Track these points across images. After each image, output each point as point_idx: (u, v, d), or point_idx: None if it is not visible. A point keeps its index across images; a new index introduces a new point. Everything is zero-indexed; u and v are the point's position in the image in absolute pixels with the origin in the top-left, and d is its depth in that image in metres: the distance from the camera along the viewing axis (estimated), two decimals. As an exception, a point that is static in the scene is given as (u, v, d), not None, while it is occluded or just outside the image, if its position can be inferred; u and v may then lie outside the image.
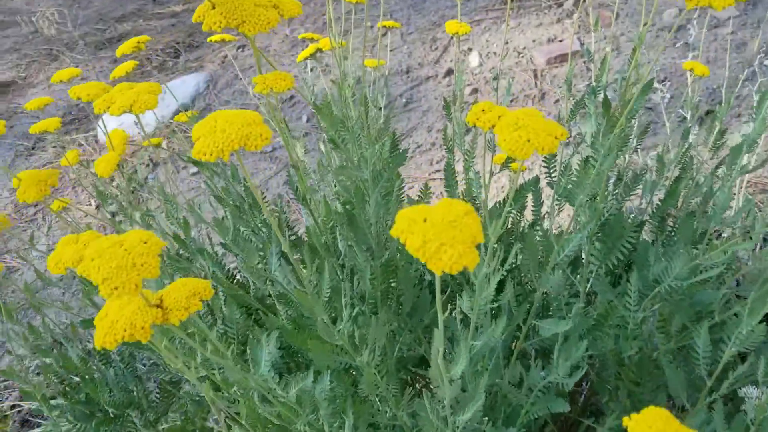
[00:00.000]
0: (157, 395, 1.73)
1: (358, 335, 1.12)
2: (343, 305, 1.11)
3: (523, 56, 3.54)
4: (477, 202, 1.55)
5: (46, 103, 1.43)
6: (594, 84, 1.47)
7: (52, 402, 1.77)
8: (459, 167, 2.76)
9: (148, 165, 3.39)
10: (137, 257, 0.75)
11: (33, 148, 3.76)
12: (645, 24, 1.13)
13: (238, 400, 1.11)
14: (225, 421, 0.94)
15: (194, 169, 3.29)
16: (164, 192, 1.52)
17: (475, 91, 3.41)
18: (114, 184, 3.19)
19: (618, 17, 3.59)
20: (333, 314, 1.15)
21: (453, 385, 0.84)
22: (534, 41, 3.60)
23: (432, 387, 0.88)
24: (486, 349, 1.13)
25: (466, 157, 1.58)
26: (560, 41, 3.51)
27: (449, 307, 1.10)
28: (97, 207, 3.26)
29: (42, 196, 1.06)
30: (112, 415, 1.65)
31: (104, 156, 1.30)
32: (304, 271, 1.01)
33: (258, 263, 1.25)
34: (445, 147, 1.60)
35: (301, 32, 4.02)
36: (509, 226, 1.54)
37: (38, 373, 1.97)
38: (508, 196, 1.54)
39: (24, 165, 3.65)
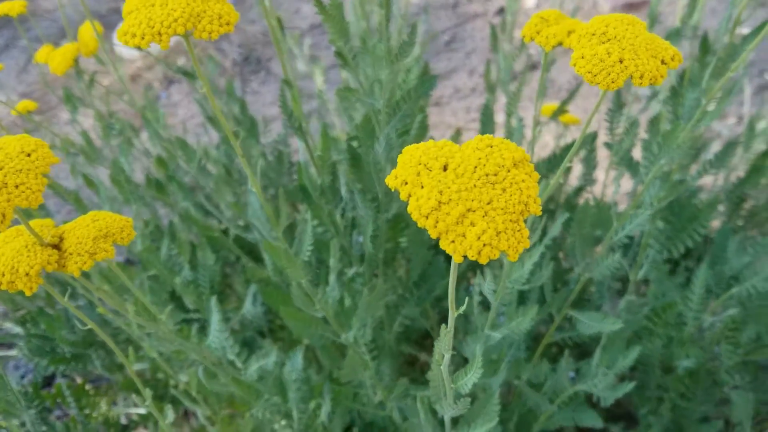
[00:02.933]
0: (123, 334, 1.52)
1: (348, 306, 0.87)
2: (331, 267, 0.86)
3: (585, 1, 3.18)
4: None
5: (18, 11, 1.19)
6: (682, 23, 1.17)
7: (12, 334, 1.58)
8: (501, 118, 2.45)
9: (161, 82, 3.13)
10: (11, 175, 0.51)
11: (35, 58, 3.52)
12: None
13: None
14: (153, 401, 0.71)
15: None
16: (151, 111, 1.27)
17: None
18: (125, 98, 2.96)
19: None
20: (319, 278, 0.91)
21: (459, 403, 0.60)
22: (598, -14, 3.23)
23: (432, 400, 0.64)
24: (506, 342, 0.88)
25: (509, 101, 1.30)
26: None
27: (465, 282, 0.86)
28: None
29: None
30: (70, 355, 1.45)
31: (61, 48, 1.05)
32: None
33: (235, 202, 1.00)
34: (485, 86, 1.32)
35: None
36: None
37: None
38: (555, 154, 1.26)
39: (35, 71, 3.42)
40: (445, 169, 0.36)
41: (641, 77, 0.45)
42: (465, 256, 0.34)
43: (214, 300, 0.81)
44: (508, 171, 0.36)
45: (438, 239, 0.35)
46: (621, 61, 0.46)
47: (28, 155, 0.52)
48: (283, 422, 0.90)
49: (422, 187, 0.35)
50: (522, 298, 0.97)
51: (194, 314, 1.14)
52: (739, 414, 0.94)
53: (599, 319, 0.88)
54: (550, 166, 1.24)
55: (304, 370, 0.91)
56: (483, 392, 0.97)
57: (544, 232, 0.90)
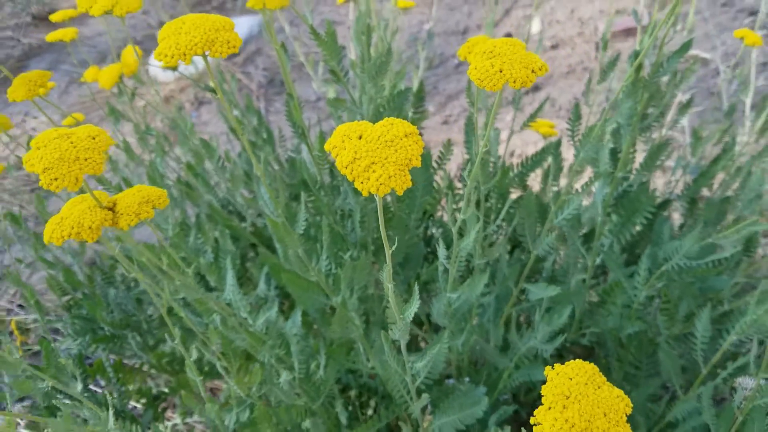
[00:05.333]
0: (156, 320, 1.74)
1: (337, 275, 1.07)
2: (324, 244, 1.07)
3: (586, 26, 3.38)
4: (493, 158, 1.47)
5: (70, 37, 1.41)
6: (637, 48, 1.37)
7: (58, 317, 1.80)
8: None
9: (192, 103, 3.40)
10: (82, 151, 0.72)
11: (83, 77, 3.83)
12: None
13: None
14: (181, 342, 0.92)
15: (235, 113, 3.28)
16: (181, 125, 1.50)
17: (530, 58, 3.28)
18: (159, 118, 3.22)
19: (695, -5, 3.37)
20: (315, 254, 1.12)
21: (402, 323, 0.79)
22: (601, 12, 3.43)
23: (389, 326, 0.83)
24: (466, 305, 1.07)
25: (487, 114, 1.51)
26: (629, 14, 3.33)
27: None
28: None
29: (31, 95, 1.05)
30: (109, 334, 1.67)
31: (107, 68, 1.28)
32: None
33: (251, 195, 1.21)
34: (467, 100, 1.53)
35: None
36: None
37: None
38: (523, 160, 1.46)
39: (76, 92, 3.72)
40: (360, 138, 0.56)
41: (514, 81, 0.66)
42: (370, 192, 0.54)
43: (228, 261, 1.02)
44: (401, 139, 0.56)
45: (353, 182, 0.55)
46: (501, 71, 0.66)
47: (93, 138, 0.74)
48: (286, 372, 1.10)
49: (345, 149, 0.55)
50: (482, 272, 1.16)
51: (217, 293, 1.35)
52: (667, 370, 1.11)
53: (543, 288, 1.07)
54: (523, 170, 1.44)
55: (303, 335, 1.11)
56: (450, 351, 1.16)
57: (498, 215, 1.09)
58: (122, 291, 1.70)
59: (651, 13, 3.34)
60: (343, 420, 1.18)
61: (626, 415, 0.52)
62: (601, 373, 0.54)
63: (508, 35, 3.42)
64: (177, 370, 1.66)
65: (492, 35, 3.43)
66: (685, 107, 1.54)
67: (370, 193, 0.54)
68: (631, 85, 1.15)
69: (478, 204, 1.14)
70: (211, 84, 1.15)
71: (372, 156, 0.54)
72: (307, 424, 1.16)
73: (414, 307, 0.78)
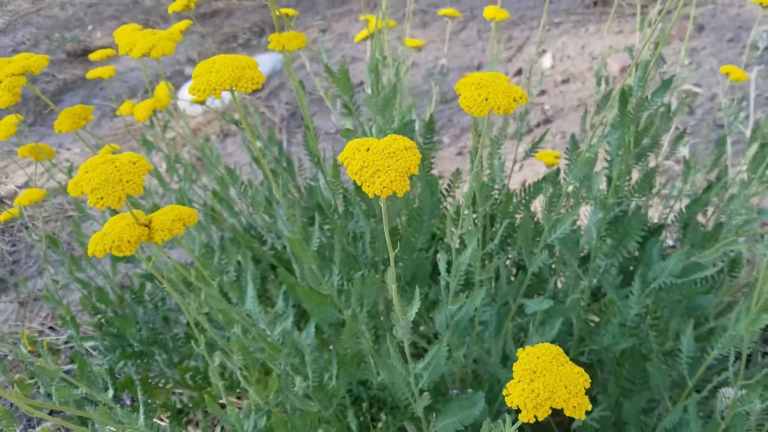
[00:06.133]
0: (182, 338, 1.84)
1: (347, 290, 1.17)
2: (336, 261, 1.17)
3: (596, 62, 3.49)
4: (497, 186, 1.57)
5: (109, 74, 1.55)
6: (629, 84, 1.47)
7: (89, 335, 1.91)
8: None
9: (218, 135, 3.55)
10: (125, 174, 0.84)
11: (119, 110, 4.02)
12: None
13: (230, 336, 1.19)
14: (206, 350, 1.02)
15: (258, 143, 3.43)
16: (207, 153, 1.62)
17: (542, 92, 3.39)
18: (186, 149, 3.38)
19: (703, 30, 3.47)
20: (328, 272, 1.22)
21: (405, 323, 0.88)
22: (610, 47, 3.54)
23: (393, 329, 0.93)
24: (467, 318, 1.16)
25: (492, 145, 1.61)
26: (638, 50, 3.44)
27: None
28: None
29: (76, 127, 1.17)
30: (137, 351, 1.78)
31: (142, 102, 1.41)
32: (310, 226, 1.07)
33: (270, 218, 1.32)
34: (472, 132, 1.63)
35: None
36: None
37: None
38: (525, 185, 1.55)
39: (108, 125, 3.90)
40: (368, 150, 0.67)
41: (498, 108, 0.76)
42: (375, 195, 0.64)
43: (249, 276, 1.13)
44: (402, 151, 0.66)
45: (361, 186, 0.66)
46: (486, 100, 0.76)
47: (134, 163, 0.85)
48: (300, 379, 1.19)
49: (354, 159, 0.66)
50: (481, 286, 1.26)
51: (238, 306, 1.45)
52: (656, 383, 1.19)
53: (538, 302, 1.16)
54: (526, 196, 1.54)
55: (317, 346, 1.21)
56: (453, 363, 1.25)
57: (495, 234, 1.19)
58: (150, 310, 1.81)
59: (652, 51, 3.45)
60: (354, 428, 1.26)
61: (584, 389, 0.60)
62: (564, 354, 0.63)
63: (520, 71, 3.54)
64: (200, 385, 1.76)
65: (505, 71, 3.55)
66: (679, 138, 1.63)
67: (375, 195, 0.64)
68: (619, 119, 1.25)
69: (484, 228, 1.24)
70: (237, 117, 1.27)
71: (377, 165, 0.65)
72: (320, 431, 1.25)
73: (415, 308, 0.87)
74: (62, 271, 1.84)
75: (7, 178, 3.74)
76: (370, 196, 0.64)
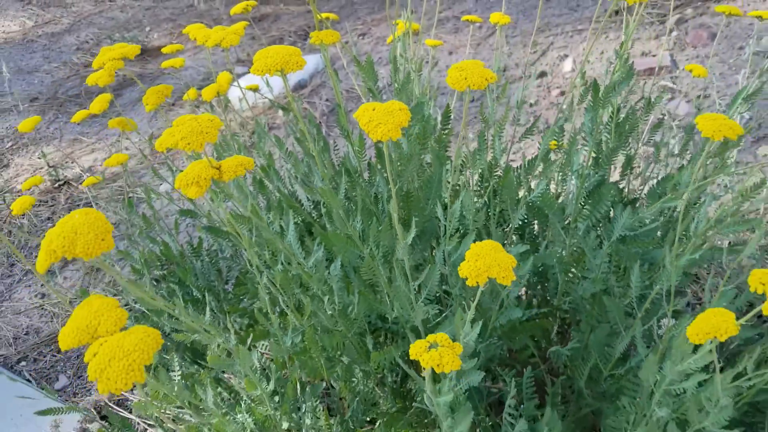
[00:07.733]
0: (232, 288, 2.18)
1: (367, 233, 1.49)
2: (358, 213, 1.48)
3: (613, 66, 3.75)
4: (499, 164, 1.87)
5: (179, 64, 1.90)
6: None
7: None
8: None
9: (264, 128, 3.91)
10: (205, 128, 1.17)
11: (173, 104, 4.42)
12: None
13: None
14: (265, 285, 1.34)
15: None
16: (259, 126, 1.95)
17: (562, 93, 3.66)
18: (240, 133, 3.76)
19: (715, 37, 3.71)
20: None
21: (404, 244, 1.20)
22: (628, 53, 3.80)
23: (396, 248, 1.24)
24: (460, 258, 1.47)
25: (494, 130, 1.91)
26: (653, 56, 3.69)
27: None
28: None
29: (159, 101, 1.51)
30: (195, 297, 2.12)
31: (207, 87, 1.75)
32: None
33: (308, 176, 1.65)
34: (480, 118, 1.94)
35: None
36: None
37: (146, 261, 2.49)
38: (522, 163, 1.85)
39: (162, 119, 4.30)
40: (374, 110, 0.98)
41: (473, 84, 1.07)
42: (378, 139, 0.96)
43: (291, 220, 1.45)
44: (397, 111, 0.97)
45: (368, 134, 0.97)
46: (465, 78, 1.07)
47: (211, 120, 1.18)
48: (328, 299, 1.51)
49: (364, 115, 0.98)
50: (479, 235, 1.56)
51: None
52: (614, 316, 1.48)
53: (518, 247, 1.46)
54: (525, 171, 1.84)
55: (342, 277, 1.52)
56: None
57: (486, 190, 1.49)
58: (206, 263, 2.16)
59: (673, 56, 3.69)
60: (370, 348, 1.58)
61: (512, 267, 0.91)
62: (501, 246, 0.94)
63: (543, 73, 3.83)
64: (249, 324, 2.10)
65: (528, 74, 3.81)
66: (657, 126, 1.92)
67: (377, 139, 0.96)
68: (592, 103, 1.54)
69: (484, 196, 1.55)
70: (288, 99, 1.59)
71: (379, 119, 0.97)
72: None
73: (412, 233, 1.18)
74: (132, 231, 2.20)
75: (73, 162, 4.16)
76: (374, 140, 0.96)
